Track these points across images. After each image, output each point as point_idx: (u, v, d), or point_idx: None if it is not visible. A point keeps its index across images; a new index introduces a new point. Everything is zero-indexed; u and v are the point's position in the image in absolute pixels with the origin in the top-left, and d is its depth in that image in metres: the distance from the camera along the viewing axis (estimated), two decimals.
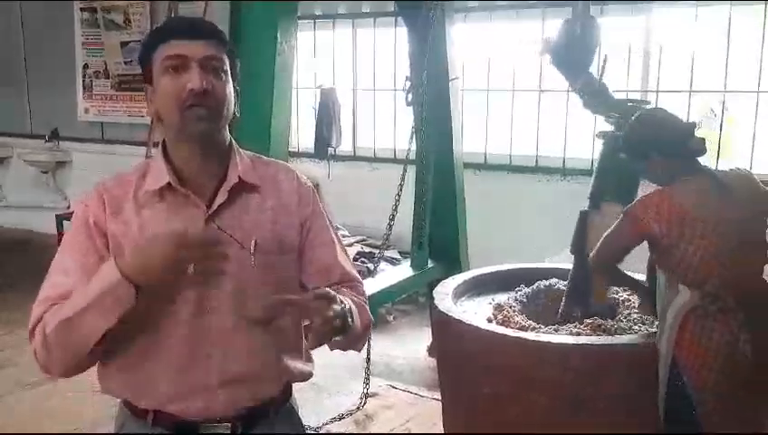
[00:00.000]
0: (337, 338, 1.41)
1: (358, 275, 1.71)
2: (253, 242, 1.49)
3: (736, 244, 2.12)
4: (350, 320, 1.43)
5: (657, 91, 4.83)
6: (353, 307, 1.48)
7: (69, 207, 7.21)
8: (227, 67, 1.49)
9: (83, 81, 7.36)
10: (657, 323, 2.67)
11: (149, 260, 1.33)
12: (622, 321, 2.71)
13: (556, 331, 2.63)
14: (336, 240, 1.67)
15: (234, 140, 1.58)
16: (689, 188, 2.18)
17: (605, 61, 2.82)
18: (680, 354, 2.17)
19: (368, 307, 1.65)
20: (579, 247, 2.83)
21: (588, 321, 2.69)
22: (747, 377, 2.12)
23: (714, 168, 4.46)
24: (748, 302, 2.14)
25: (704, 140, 2.23)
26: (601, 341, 2.49)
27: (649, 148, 2.25)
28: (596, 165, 2.90)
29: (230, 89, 1.49)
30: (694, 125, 2.27)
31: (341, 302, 1.41)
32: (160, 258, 1.32)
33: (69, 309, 1.38)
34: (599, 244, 2.36)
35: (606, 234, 2.32)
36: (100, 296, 1.35)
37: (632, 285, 2.58)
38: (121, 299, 1.35)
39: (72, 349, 1.41)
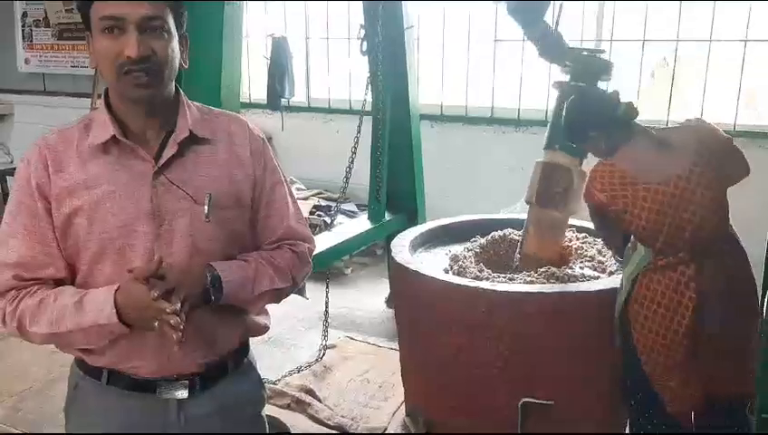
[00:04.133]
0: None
1: (306, 231, 1.68)
2: (207, 196, 1.46)
3: (682, 198, 2.15)
4: (218, 291, 1.44)
5: (612, 41, 4.84)
6: (238, 278, 1.48)
7: (12, 162, 6.98)
8: (169, 23, 1.40)
9: (23, 30, 7.02)
10: (609, 270, 2.75)
11: (130, 303, 1.37)
12: (574, 269, 2.77)
13: (511, 280, 2.66)
14: (289, 196, 1.64)
15: (181, 91, 1.52)
16: (629, 154, 2.23)
17: (560, 9, 2.79)
18: (630, 308, 2.21)
19: (296, 268, 1.61)
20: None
21: (541, 270, 2.73)
22: (691, 333, 2.11)
23: (666, 118, 4.61)
24: (712, 251, 2.15)
25: (631, 103, 2.27)
26: (555, 289, 2.53)
27: (585, 128, 2.31)
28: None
29: (173, 45, 1.42)
30: (617, 93, 2.30)
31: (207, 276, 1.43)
32: (134, 305, 1.36)
33: (57, 324, 1.41)
34: None
35: None
36: (94, 327, 1.39)
37: None
38: (115, 333, 1.41)
39: (58, 345, 1.51)
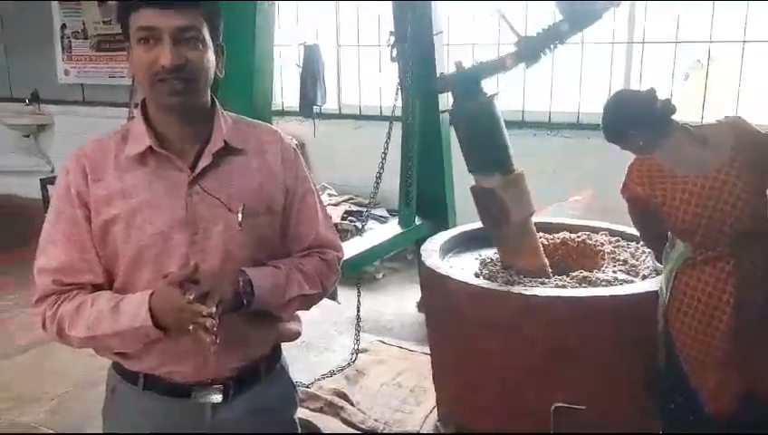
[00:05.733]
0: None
1: (335, 239, 1.70)
2: (241, 206, 1.49)
3: (722, 190, 2.13)
4: (250, 296, 1.47)
5: (644, 43, 4.79)
6: (269, 284, 1.50)
7: (53, 171, 7.16)
8: (204, 34, 1.44)
9: (62, 42, 7.20)
10: (642, 274, 2.72)
11: (165, 307, 1.40)
12: (607, 272, 2.74)
13: (542, 284, 2.66)
14: (318, 204, 1.67)
15: (216, 101, 1.56)
16: (666, 150, 2.25)
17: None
18: (669, 305, 2.21)
19: (324, 275, 1.63)
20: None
21: (573, 274, 2.72)
22: (730, 330, 2.10)
23: (700, 118, 4.54)
24: (752, 245, 2.14)
25: (668, 100, 2.29)
26: (586, 293, 2.52)
27: (624, 128, 2.34)
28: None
29: (208, 56, 1.45)
30: (654, 90, 2.32)
31: (239, 281, 1.46)
32: (169, 309, 1.39)
33: (94, 328, 1.45)
34: None
35: None
36: (130, 331, 1.43)
37: None
38: (150, 336, 1.44)
39: (96, 349, 1.55)
